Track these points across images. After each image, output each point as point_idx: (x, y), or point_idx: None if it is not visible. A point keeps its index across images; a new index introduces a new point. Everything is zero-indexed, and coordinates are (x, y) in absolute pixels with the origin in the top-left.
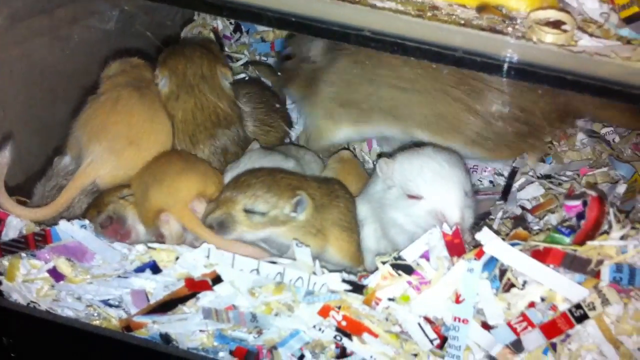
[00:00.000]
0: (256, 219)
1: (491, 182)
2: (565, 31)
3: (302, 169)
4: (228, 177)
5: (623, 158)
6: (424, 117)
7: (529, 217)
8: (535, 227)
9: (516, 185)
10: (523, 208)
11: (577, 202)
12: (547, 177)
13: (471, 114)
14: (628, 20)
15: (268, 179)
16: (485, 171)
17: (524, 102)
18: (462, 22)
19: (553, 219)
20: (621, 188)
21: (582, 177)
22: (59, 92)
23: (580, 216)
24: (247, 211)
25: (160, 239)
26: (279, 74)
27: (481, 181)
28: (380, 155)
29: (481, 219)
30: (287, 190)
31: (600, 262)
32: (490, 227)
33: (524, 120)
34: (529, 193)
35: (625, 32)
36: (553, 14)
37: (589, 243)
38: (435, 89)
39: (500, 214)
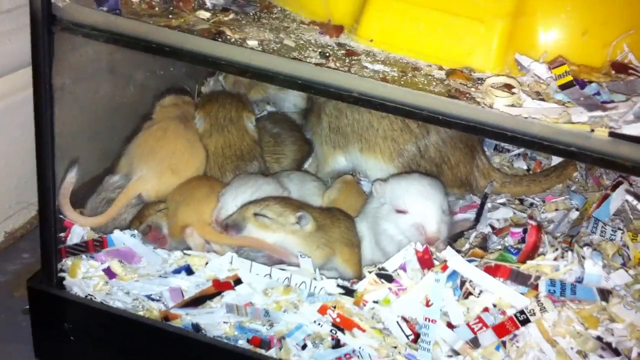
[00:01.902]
0: (264, 221)
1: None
2: (513, 93)
3: (282, 184)
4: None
5: (587, 188)
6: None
7: (494, 238)
8: (498, 247)
9: (489, 205)
10: (492, 227)
11: (519, 230)
12: (521, 200)
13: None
14: (562, 87)
15: (280, 199)
16: None
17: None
18: (435, 83)
19: (510, 240)
20: (574, 215)
21: (546, 204)
22: (117, 123)
23: (523, 240)
24: (257, 214)
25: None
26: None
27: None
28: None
29: (459, 237)
30: (293, 207)
31: (538, 278)
32: (453, 246)
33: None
34: (500, 214)
35: (560, 96)
36: (504, 80)
37: (529, 262)
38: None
39: (473, 235)
